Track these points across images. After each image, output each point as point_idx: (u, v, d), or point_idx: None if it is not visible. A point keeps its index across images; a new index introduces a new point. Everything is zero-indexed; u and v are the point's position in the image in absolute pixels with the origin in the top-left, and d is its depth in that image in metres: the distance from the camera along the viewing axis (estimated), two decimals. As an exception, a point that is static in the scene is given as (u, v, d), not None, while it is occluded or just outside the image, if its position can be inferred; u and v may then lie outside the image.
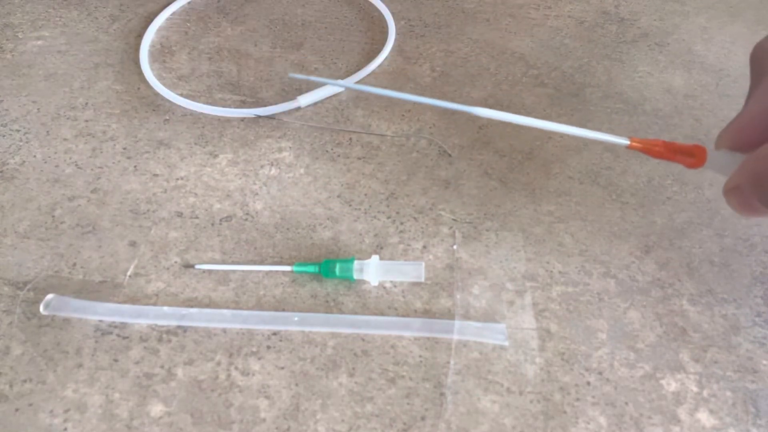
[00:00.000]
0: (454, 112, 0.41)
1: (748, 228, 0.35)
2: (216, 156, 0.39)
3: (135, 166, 0.38)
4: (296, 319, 0.30)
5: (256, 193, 0.36)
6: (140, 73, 0.44)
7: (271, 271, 0.33)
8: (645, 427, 0.27)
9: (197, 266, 0.33)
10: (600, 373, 0.29)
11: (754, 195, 0.26)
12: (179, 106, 0.42)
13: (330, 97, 0.42)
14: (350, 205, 0.36)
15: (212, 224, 0.35)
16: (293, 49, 0.46)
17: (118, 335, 0.30)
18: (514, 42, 0.47)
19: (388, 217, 0.35)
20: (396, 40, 0.47)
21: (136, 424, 0.27)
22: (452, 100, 0.42)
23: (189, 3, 0.51)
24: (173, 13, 0.50)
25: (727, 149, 0.28)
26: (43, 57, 0.46)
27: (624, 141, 0.28)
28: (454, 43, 0.47)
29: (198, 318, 0.30)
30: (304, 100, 0.41)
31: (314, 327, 0.30)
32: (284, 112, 0.41)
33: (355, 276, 0.31)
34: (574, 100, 0.42)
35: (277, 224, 0.35)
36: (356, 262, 0.31)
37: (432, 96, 0.42)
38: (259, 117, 0.41)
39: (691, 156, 0.28)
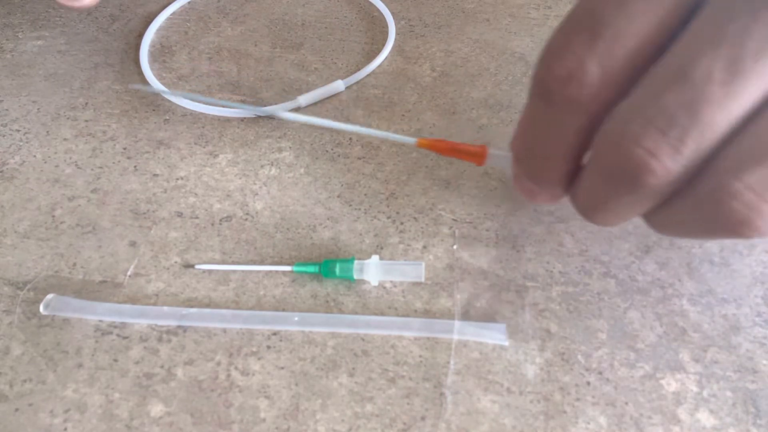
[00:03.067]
0: (454, 112, 0.41)
1: (748, 228, 0.35)
2: (216, 156, 0.39)
3: (135, 166, 0.38)
4: (296, 319, 0.30)
5: (256, 193, 0.36)
6: (140, 73, 0.44)
7: (271, 271, 0.33)
8: (645, 427, 0.27)
9: (197, 266, 0.33)
10: (600, 373, 0.29)
11: (523, 174, 0.28)
12: (179, 106, 0.42)
13: (330, 97, 0.42)
14: (350, 205, 0.36)
15: (212, 224, 0.35)
16: (293, 49, 0.46)
17: (118, 335, 0.30)
18: (514, 42, 0.47)
19: (388, 217, 0.35)
20: (396, 40, 0.47)
21: (136, 424, 0.27)
22: (452, 99, 0.42)
23: (189, 3, 0.51)
24: (173, 13, 0.50)
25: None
26: (43, 57, 0.46)
27: (411, 140, 0.31)
28: (454, 43, 0.47)
29: (198, 318, 0.30)
30: (305, 99, 0.41)
31: (314, 327, 0.30)
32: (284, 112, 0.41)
33: (355, 276, 0.31)
34: (574, 100, 0.42)
35: (277, 224, 0.35)
36: (356, 262, 0.31)
37: (432, 96, 0.42)
38: (259, 117, 0.41)
39: (474, 155, 0.31)
